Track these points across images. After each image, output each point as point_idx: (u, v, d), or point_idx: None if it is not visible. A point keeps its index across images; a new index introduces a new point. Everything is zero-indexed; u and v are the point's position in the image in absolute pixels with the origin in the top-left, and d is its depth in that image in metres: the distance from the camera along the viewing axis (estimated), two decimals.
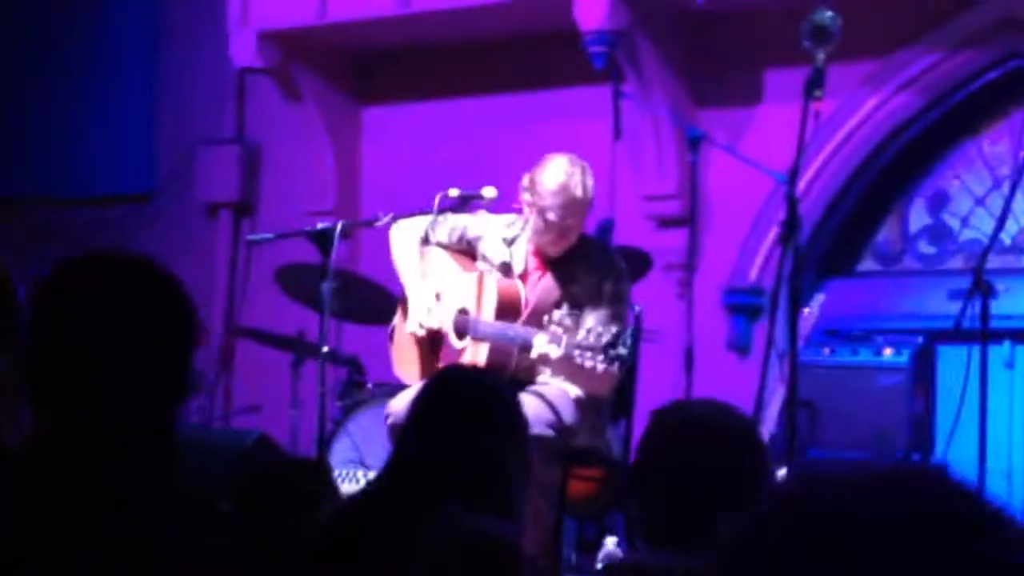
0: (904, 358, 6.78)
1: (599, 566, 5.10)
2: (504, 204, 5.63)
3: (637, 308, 5.81)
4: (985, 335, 5.99)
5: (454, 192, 5.65)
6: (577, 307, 5.28)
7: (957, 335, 6.12)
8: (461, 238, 5.57)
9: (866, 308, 7.62)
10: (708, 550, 2.67)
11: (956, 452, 6.32)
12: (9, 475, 2.33)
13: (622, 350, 5.06)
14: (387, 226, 5.77)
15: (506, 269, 5.43)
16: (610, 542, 5.17)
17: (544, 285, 5.36)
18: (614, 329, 5.10)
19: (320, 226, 5.80)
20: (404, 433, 3.14)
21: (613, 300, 5.31)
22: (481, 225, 5.56)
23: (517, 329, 5.24)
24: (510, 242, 5.46)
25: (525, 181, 5.36)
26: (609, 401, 5.41)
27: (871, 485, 1.16)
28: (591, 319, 5.21)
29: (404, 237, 5.63)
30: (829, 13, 5.02)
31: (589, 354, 4.97)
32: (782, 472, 5.17)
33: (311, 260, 6.08)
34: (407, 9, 8.28)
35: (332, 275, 5.71)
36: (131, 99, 9.95)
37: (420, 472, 2.99)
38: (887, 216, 8.08)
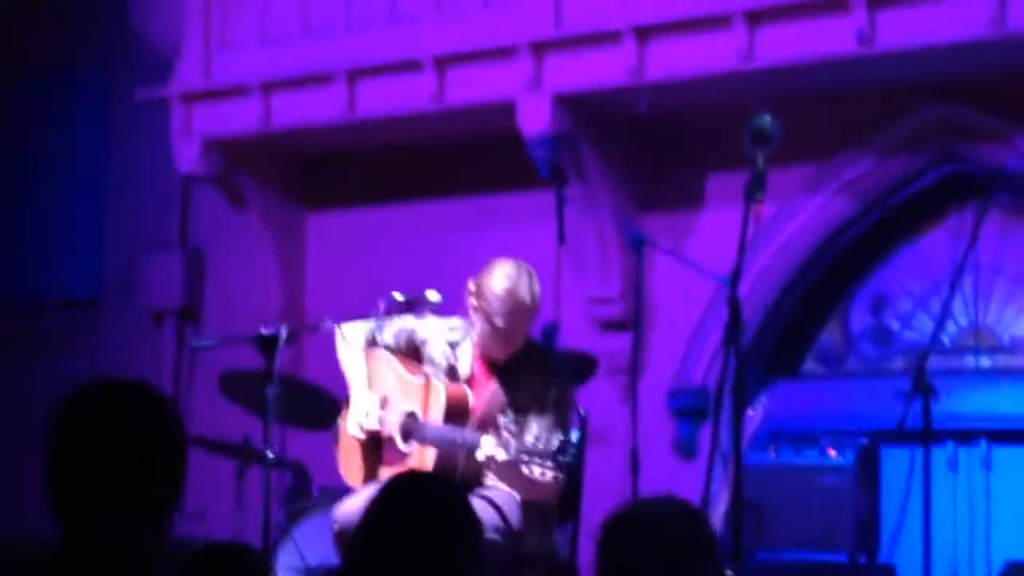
0: (848, 459, 6.77)
1: None
2: (449, 308, 5.63)
3: (582, 412, 5.79)
4: (928, 436, 6.02)
5: (399, 296, 5.66)
6: (522, 414, 5.26)
7: (900, 436, 6.14)
8: (409, 341, 5.55)
9: (810, 409, 7.59)
10: None
11: (902, 552, 6.33)
12: None
13: (569, 458, 5.05)
14: (331, 331, 5.76)
15: (452, 373, 5.41)
16: None
17: (491, 390, 5.34)
18: (560, 436, 5.09)
19: (264, 331, 5.78)
20: (353, 544, 3.09)
21: (558, 406, 5.28)
22: (427, 328, 5.55)
23: (464, 433, 5.21)
24: (453, 345, 5.46)
25: (471, 286, 5.36)
26: (555, 506, 5.37)
27: None
28: (535, 426, 5.19)
29: (349, 342, 5.61)
30: (769, 118, 5.07)
31: (537, 460, 4.95)
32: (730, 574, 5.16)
33: (255, 365, 6.05)
34: (352, 115, 8.31)
35: (276, 380, 5.69)
36: (77, 203, 9.95)
37: None
38: (829, 318, 8.11)
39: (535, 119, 7.75)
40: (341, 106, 8.31)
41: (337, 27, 8.43)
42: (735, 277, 5.18)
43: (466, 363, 5.40)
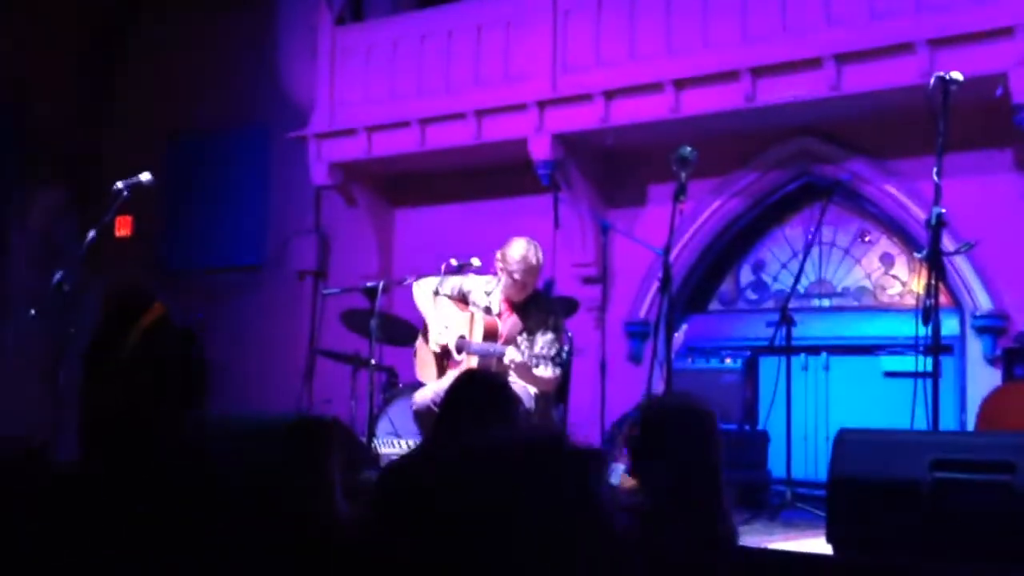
0: (738, 364, 6.78)
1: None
2: (485, 268, 5.65)
3: (570, 334, 5.81)
4: (788, 350, 6.02)
5: (453, 261, 5.67)
6: (532, 334, 5.28)
7: (771, 350, 6.15)
8: (459, 291, 5.56)
9: (714, 334, 7.62)
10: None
11: (772, 423, 6.35)
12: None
13: (562, 361, 5.08)
14: (410, 285, 5.78)
15: (487, 311, 5.43)
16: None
17: (512, 321, 5.35)
18: (557, 346, 5.11)
19: (369, 284, 5.81)
20: (442, 409, 3.10)
21: (555, 329, 5.30)
22: (470, 283, 5.56)
23: (495, 346, 5.24)
24: (488, 293, 5.48)
25: (498, 255, 5.37)
26: (553, 393, 5.40)
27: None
28: (541, 340, 5.21)
29: (423, 290, 5.63)
30: (689, 148, 5.06)
31: (542, 361, 4.97)
32: None
33: (363, 306, 6.08)
34: (423, 147, 8.31)
35: (376, 315, 5.72)
36: (250, 205, 9.96)
37: (450, 435, 2.95)
38: (726, 275, 8.08)
39: (540, 150, 7.74)
40: (416, 141, 8.30)
41: (411, 91, 8.41)
42: (667, 250, 5.19)
43: (496, 304, 5.42)
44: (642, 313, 7.89)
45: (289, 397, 8.46)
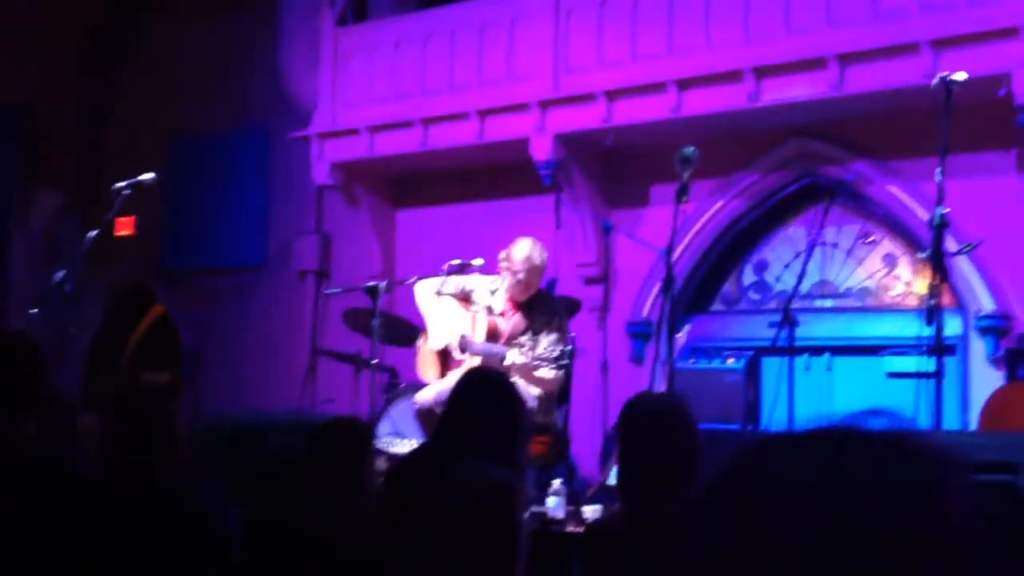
0: (741, 365, 6.76)
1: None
2: (487, 268, 5.66)
3: (573, 335, 5.81)
4: (791, 350, 6.02)
5: (455, 262, 5.68)
6: (535, 334, 5.29)
7: (773, 350, 6.14)
8: (462, 291, 5.57)
9: (716, 334, 7.62)
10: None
11: (774, 423, 6.33)
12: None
13: (565, 362, 5.08)
14: (412, 285, 5.79)
15: (490, 310, 5.44)
16: (556, 482, 5.15)
17: (515, 320, 5.36)
18: (560, 348, 5.11)
19: (371, 284, 5.82)
20: (446, 410, 3.08)
21: (559, 330, 5.31)
22: (473, 282, 5.58)
23: (499, 347, 5.24)
24: (492, 293, 5.48)
25: (502, 254, 5.38)
26: (555, 394, 5.40)
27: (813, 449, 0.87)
28: (545, 341, 5.21)
29: (425, 290, 5.64)
30: (692, 148, 5.05)
31: (544, 364, 4.98)
32: None
33: (365, 306, 6.09)
34: (426, 147, 8.32)
35: (378, 315, 5.73)
36: (252, 205, 9.97)
37: (456, 436, 2.94)
38: (729, 275, 8.08)
39: (542, 150, 7.74)
40: (418, 141, 8.30)
41: (413, 91, 8.42)
42: (669, 250, 5.20)
43: (499, 303, 5.43)
44: (644, 313, 7.89)
45: (292, 397, 8.46)
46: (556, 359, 4.96)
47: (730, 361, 6.67)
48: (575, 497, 5.02)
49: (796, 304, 6.21)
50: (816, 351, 7.18)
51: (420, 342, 5.65)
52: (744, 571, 0.81)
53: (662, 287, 5.15)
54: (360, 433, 3.12)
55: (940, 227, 4.33)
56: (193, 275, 10.08)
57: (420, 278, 5.69)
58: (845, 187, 7.15)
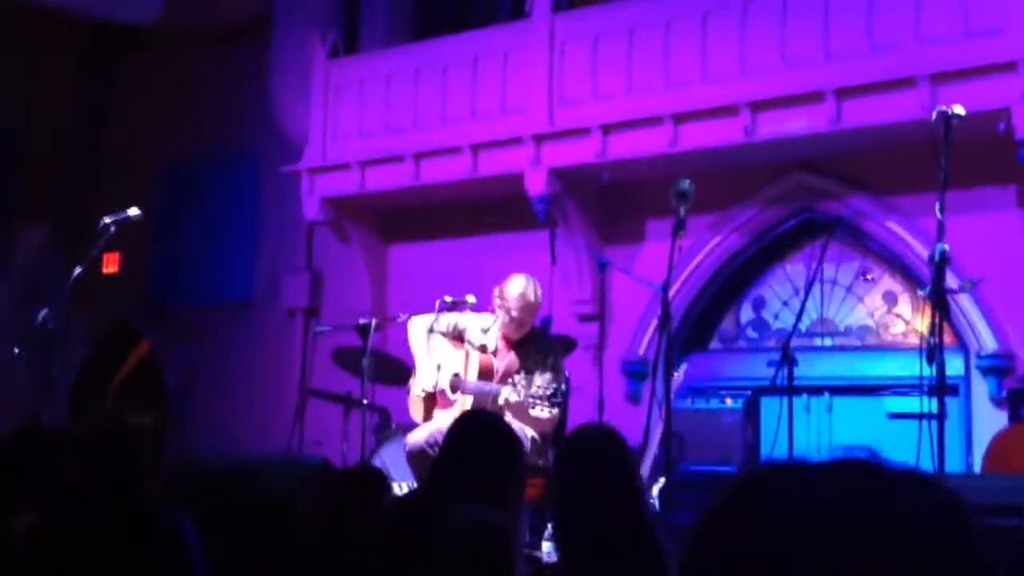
0: (739, 405, 6.72)
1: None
2: (481, 305, 5.64)
3: (567, 373, 5.78)
4: (790, 390, 5.99)
5: (448, 298, 5.65)
6: (529, 373, 5.26)
7: (772, 390, 6.11)
8: (455, 328, 5.55)
9: (714, 373, 7.58)
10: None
11: None
12: None
13: (560, 400, 5.05)
14: (404, 322, 5.76)
15: (483, 349, 5.41)
16: (550, 526, 5.09)
17: (508, 358, 5.34)
18: (555, 386, 5.09)
19: (362, 322, 5.79)
20: (440, 452, 3.07)
21: (553, 369, 5.28)
22: (466, 320, 5.56)
23: (492, 385, 5.21)
24: (485, 331, 5.46)
25: (497, 291, 5.37)
26: (551, 434, 5.36)
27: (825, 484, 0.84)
28: (539, 379, 5.19)
29: (417, 329, 5.61)
30: (688, 182, 5.04)
31: (539, 401, 4.95)
32: (662, 480, 5.13)
33: (356, 344, 6.05)
34: (418, 182, 8.33)
35: (369, 354, 5.70)
36: (241, 241, 9.96)
37: (450, 479, 2.93)
38: (726, 312, 8.08)
39: (536, 184, 7.76)
40: (411, 176, 8.31)
41: (405, 124, 8.44)
42: (666, 286, 5.18)
43: (492, 341, 5.41)
44: (640, 351, 7.87)
45: (279, 437, 8.40)
46: (551, 396, 4.93)
47: (728, 401, 6.64)
48: None
49: (795, 342, 6.19)
50: (816, 391, 7.16)
51: (412, 382, 5.61)
52: None
53: (658, 324, 5.11)
54: (380, 484, 3.11)
55: (941, 264, 4.32)
56: (180, 312, 10.05)
57: (412, 315, 5.67)
58: (844, 223, 7.16)
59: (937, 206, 4.40)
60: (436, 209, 8.81)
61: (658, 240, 7.60)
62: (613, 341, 7.85)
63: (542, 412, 4.95)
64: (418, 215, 8.99)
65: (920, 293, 4.87)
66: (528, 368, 5.26)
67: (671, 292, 5.28)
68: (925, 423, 4.31)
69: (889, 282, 7.48)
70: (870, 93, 6.54)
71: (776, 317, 7.82)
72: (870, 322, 7.50)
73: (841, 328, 7.57)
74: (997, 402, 6.64)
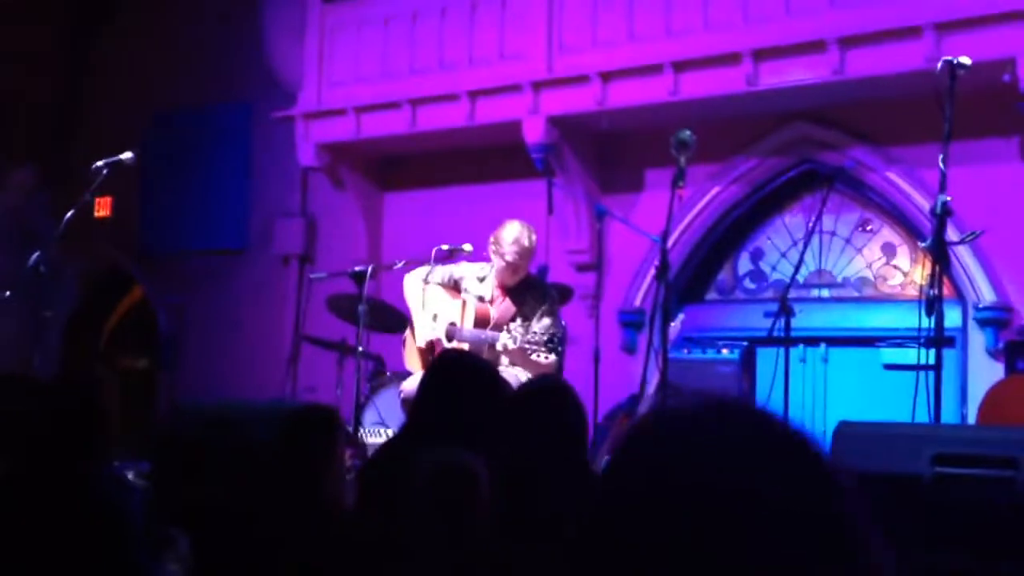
0: (735, 355, 6.76)
1: None
2: (476, 254, 5.64)
3: (563, 323, 5.81)
4: (787, 341, 6.02)
5: (445, 247, 5.65)
6: (526, 320, 5.28)
7: (769, 341, 6.14)
8: (451, 278, 5.56)
9: (711, 324, 7.60)
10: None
11: None
12: None
13: (558, 345, 5.08)
14: (401, 270, 5.76)
15: (480, 297, 5.43)
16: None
17: (504, 306, 5.35)
18: (552, 332, 5.11)
19: (357, 269, 5.79)
20: (418, 395, 3.08)
21: (550, 315, 5.30)
22: (462, 270, 5.57)
23: (488, 332, 5.23)
24: (481, 279, 5.47)
25: (492, 238, 5.38)
26: None
27: (709, 422, 0.87)
28: (537, 326, 5.20)
29: (412, 282, 5.61)
30: (688, 131, 5.03)
31: (536, 346, 4.97)
32: None
33: (351, 291, 6.07)
34: (414, 129, 8.29)
35: (364, 301, 5.71)
36: (233, 187, 9.93)
37: (428, 422, 2.94)
38: (724, 263, 8.08)
39: (534, 133, 7.72)
40: (407, 123, 8.27)
41: (402, 70, 8.39)
42: (664, 236, 5.18)
43: (488, 289, 5.42)
44: (637, 302, 7.89)
45: (272, 384, 8.44)
46: (548, 342, 4.95)
47: (725, 351, 6.67)
48: None
49: (792, 294, 6.22)
50: (812, 342, 7.19)
51: (407, 333, 5.63)
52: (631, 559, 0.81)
53: (656, 275, 5.14)
54: (329, 422, 3.10)
55: (943, 216, 4.33)
56: (172, 258, 10.05)
57: (407, 263, 5.68)
58: (844, 174, 7.15)
59: (940, 157, 4.40)
60: (433, 156, 8.78)
61: (657, 190, 7.59)
62: (610, 291, 7.86)
63: (542, 358, 4.98)
64: (414, 162, 8.96)
65: (921, 245, 4.88)
66: (525, 315, 5.28)
67: (669, 242, 5.28)
68: (922, 375, 4.34)
69: (888, 233, 7.49)
70: (874, 43, 6.50)
71: (774, 268, 7.83)
72: (868, 274, 7.52)
73: (839, 279, 7.59)
74: (994, 354, 6.68)
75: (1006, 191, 6.70)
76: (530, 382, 3.15)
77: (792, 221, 7.74)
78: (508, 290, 5.37)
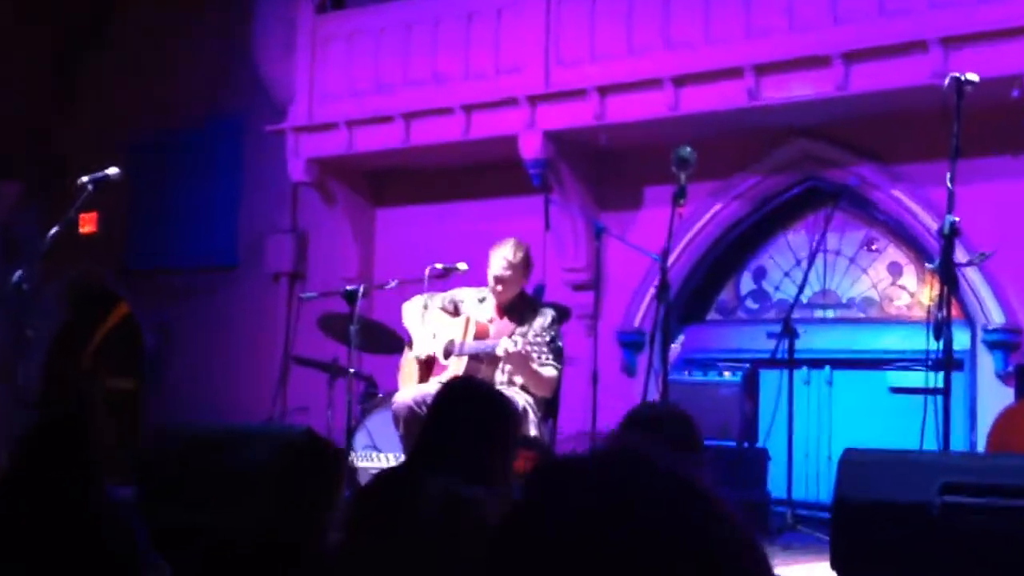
0: (738, 378, 6.68)
1: None
2: (472, 273, 5.61)
3: (560, 342, 5.78)
4: (790, 363, 6.01)
5: (439, 266, 5.63)
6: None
7: (772, 363, 6.13)
8: (451, 302, 5.54)
9: (712, 345, 7.60)
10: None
11: (772, 440, 6.34)
12: None
13: (560, 350, 5.07)
14: (395, 290, 5.73)
15: (479, 317, 5.41)
16: None
17: (503, 324, 5.33)
18: (552, 333, 5.10)
19: (348, 288, 5.76)
20: (426, 422, 3.04)
21: (549, 326, 5.26)
22: (462, 293, 5.54)
23: (488, 341, 5.21)
24: (481, 300, 5.45)
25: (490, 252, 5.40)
26: (543, 405, 5.34)
27: (589, 476, 0.94)
28: (537, 325, 5.17)
29: (412, 308, 5.57)
30: (688, 148, 5.03)
31: (539, 349, 4.94)
32: None
33: (342, 310, 6.03)
34: (407, 143, 8.28)
35: (356, 321, 5.68)
36: (222, 202, 9.91)
37: (435, 450, 2.89)
38: (726, 282, 8.07)
39: (531, 148, 7.72)
40: (400, 137, 8.26)
41: (396, 83, 8.38)
42: (664, 255, 5.18)
43: (488, 311, 5.40)
44: (637, 322, 7.87)
45: (261, 406, 8.41)
46: (550, 343, 4.92)
47: (727, 374, 6.63)
48: None
49: (796, 314, 6.22)
50: (816, 364, 7.18)
51: (404, 356, 5.60)
52: None
53: (656, 294, 5.15)
54: (335, 460, 3.06)
55: (950, 236, 4.32)
56: (159, 275, 10.02)
57: (401, 282, 5.66)
58: (849, 192, 7.15)
59: (948, 176, 4.39)
60: (426, 172, 8.78)
61: (656, 207, 7.58)
62: (608, 311, 7.83)
63: (546, 370, 4.96)
64: (407, 178, 8.95)
65: (928, 266, 4.87)
66: (523, 332, 5.25)
67: (669, 261, 5.27)
68: (930, 399, 4.32)
69: (894, 253, 7.48)
70: (878, 57, 6.50)
71: (777, 288, 7.82)
72: (874, 294, 7.50)
73: (844, 300, 7.57)
74: (1003, 378, 6.66)
75: (1014, 209, 6.69)
76: (451, 385, 3.15)
77: (795, 239, 7.74)
78: (506, 310, 5.35)
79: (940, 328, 4.22)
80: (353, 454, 5.73)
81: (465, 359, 5.24)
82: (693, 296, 7.99)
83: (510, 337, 5.10)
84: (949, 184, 4.37)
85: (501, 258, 5.26)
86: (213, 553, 2.56)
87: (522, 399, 5.10)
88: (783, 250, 7.83)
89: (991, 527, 3.11)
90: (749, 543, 0.95)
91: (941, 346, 4.26)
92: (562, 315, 6.33)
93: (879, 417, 6.92)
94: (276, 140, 8.94)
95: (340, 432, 5.96)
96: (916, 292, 7.39)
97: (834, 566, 3.34)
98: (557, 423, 5.65)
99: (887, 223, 7.41)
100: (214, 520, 2.86)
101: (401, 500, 2.71)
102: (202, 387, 9.49)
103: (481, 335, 5.30)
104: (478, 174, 8.48)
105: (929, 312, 4.58)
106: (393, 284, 5.75)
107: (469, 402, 3.00)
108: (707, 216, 7.75)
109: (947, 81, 4.50)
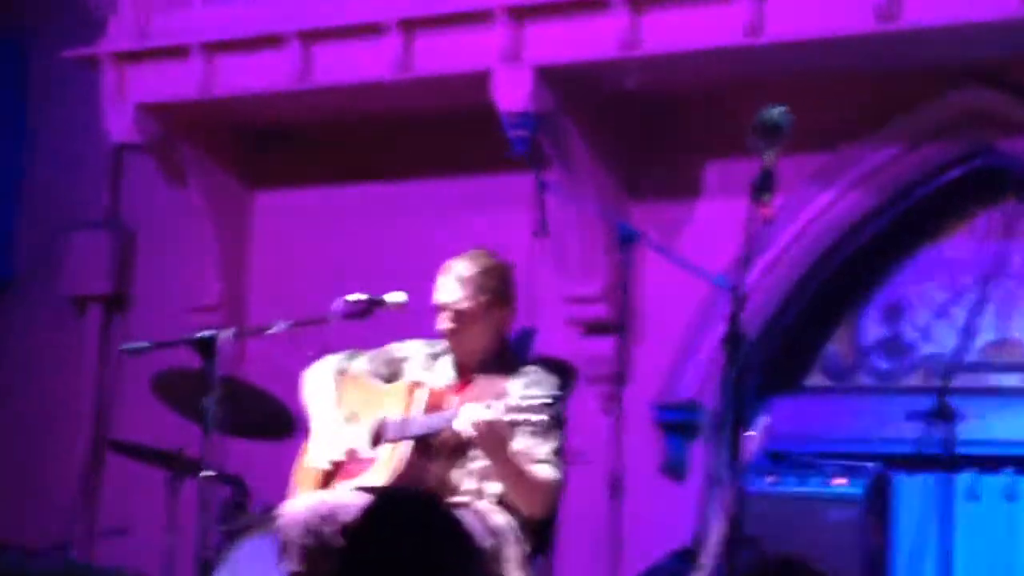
0: (857, 489, 6.69)
1: None
2: (416, 307, 5.58)
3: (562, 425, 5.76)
4: (947, 463, 6.00)
5: (352, 298, 5.60)
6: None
7: (916, 462, 6.13)
8: (388, 361, 5.52)
9: (815, 429, 7.58)
10: None
11: None
12: None
13: (562, 423, 5.06)
14: (283, 335, 5.70)
15: (434, 383, 5.40)
16: None
17: (472, 393, 5.31)
18: (551, 390, 5.10)
19: (204, 333, 5.71)
20: (345, 555, 3.09)
21: (543, 390, 5.24)
22: (407, 349, 5.54)
23: (444, 413, 5.17)
24: (435, 357, 5.44)
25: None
26: (534, 530, 5.32)
27: None
28: (524, 392, 5.16)
29: (318, 374, 5.55)
30: (779, 110, 4.99)
31: (528, 415, 4.93)
32: None
33: (192, 364, 5.99)
34: (306, 83, 8.27)
35: (216, 384, 5.63)
36: None
37: None
38: (838, 326, 8.09)
39: (512, 93, 7.72)
40: (293, 72, 8.27)
41: None
42: (736, 279, 5.14)
43: (445, 375, 5.38)
44: (687, 390, 7.87)
45: (55, 520, 8.38)
46: (544, 403, 4.91)
47: (839, 481, 6.65)
48: None
49: (957, 381, 6.21)
50: (992, 465, 7.22)
51: (303, 449, 5.59)
52: None
53: (722, 344, 5.09)
54: None
55: None
56: None
57: (296, 324, 5.62)
58: None
59: None
60: (337, 132, 8.79)
61: (722, 198, 7.61)
62: (641, 369, 7.83)
63: (538, 466, 4.98)
64: (306, 142, 8.97)
65: None
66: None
67: (744, 288, 5.25)
68: None
69: None
70: None
71: (924, 335, 7.86)
72: None
73: None
74: None
75: None
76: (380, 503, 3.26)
77: (955, 256, 7.76)
78: (473, 372, 5.37)
79: None
80: None
81: (406, 448, 5.21)
82: (784, 349, 8.01)
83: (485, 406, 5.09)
84: None
85: (452, 279, 5.27)
86: None
87: (500, 517, 5.09)
88: (934, 272, 7.86)
89: None
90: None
91: None
92: (565, 377, 6.32)
93: None
94: (84, 75, 8.94)
95: (187, 571, 5.93)
96: None
97: None
98: (552, 562, 5.64)
99: None
100: None
101: None
102: None
103: (435, 406, 5.28)
104: (424, 136, 8.51)
105: None
106: (280, 327, 5.70)
107: (411, 533, 3.06)
108: (806, 213, 7.78)
109: None
